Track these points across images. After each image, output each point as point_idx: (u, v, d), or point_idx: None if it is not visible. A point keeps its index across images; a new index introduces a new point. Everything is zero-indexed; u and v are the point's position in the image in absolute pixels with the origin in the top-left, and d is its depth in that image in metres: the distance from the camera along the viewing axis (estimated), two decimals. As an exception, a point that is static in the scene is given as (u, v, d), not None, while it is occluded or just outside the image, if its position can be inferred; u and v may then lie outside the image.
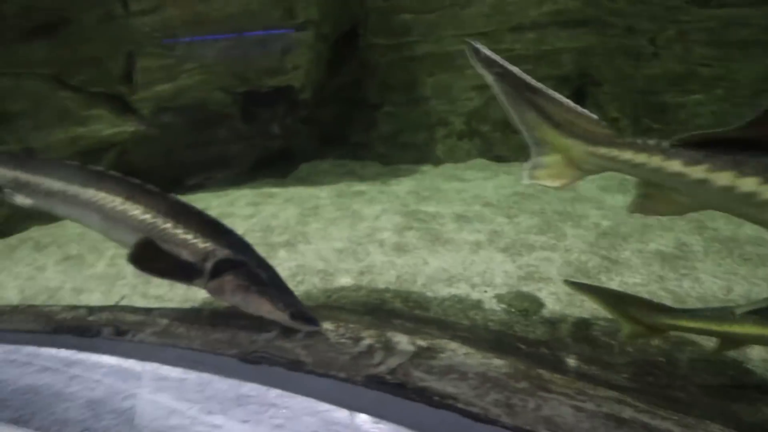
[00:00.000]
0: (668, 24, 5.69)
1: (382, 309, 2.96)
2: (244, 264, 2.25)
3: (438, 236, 3.99)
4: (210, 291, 2.26)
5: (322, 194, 5.40)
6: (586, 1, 5.77)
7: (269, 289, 2.21)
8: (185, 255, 2.23)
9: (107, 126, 4.69)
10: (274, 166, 6.19)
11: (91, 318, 2.74)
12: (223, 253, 2.23)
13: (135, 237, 2.28)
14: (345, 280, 3.50)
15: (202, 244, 2.23)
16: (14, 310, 2.90)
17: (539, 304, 3.05)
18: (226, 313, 2.53)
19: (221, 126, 5.35)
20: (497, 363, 2.08)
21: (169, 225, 2.24)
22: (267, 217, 4.74)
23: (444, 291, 3.24)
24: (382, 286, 3.38)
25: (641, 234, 3.71)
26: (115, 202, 2.29)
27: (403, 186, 5.49)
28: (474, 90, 6.34)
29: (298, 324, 2.17)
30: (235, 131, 5.48)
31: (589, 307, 2.96)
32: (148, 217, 2.25)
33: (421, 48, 6.22)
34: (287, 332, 2.30)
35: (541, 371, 2.05)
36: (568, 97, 5.89)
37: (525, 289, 3.20)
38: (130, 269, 3.82)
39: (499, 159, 6.24)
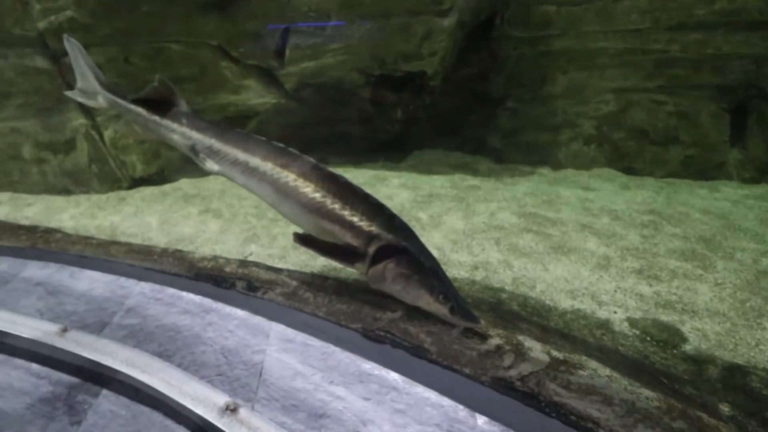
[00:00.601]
0: None
1: (502, 309, 2.74)
2: (407, 251, 2.15)
3: (560, 244, 3.62)
4: (370, 277, 2.19)
5: (436, 183, 5.24)
6: (771, 0, 4.81)
7: (431, 279, 2.09)
8: (349, 237, 2.19)
9: (254, 96, 4.97)
10: (388, 150, 6.16)
11: (227, 269, 2.89)
12: (386, 238, 2.16)
13: (303, 213, 2.28)
14: (458, 272, 3.32)
15: (367, 227, 2.18)
16: (163, 253, 3.15)
17: (681, 338, 2.61)
18: (351, 285, 2.49)
19: (350, 106, 5.40)
20: (647, 394, 1.78)
21: (337, 206, 2.21)
22: (381, 198, 4.67)
23: (566, 303, 2.92)
24: (497, 284, 3.14)
25: (817, 279, 3.01)
26: (288, 177, 2.30)
27: (520, 186, 5.11)
28: (612, 93, 5.69)
29: (456, 319, 2.05)
30: (361, 112, 5.51)
31: (744, 353, 2.47)
32: (317, 195, 2.24)
33: (559, 43, 5.69)
34: (411, 314, 2.20)
35: (701, 414, 1.71)
36: (729, 111, 5.03)
37: (664, 318, 2.75)
38: (260, 229, 4.04)
39: (630, 171, 5.56)
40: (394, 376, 1.89)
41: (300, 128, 5.47)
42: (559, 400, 1.68)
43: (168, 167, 5.03)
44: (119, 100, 2.79)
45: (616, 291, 3.00)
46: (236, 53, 4.77)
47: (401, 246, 2.14)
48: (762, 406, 2.15)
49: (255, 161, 2.39)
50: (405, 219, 4.16)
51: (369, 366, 1.94)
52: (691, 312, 2.77)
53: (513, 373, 1.83)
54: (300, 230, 2.47)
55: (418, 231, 3.93)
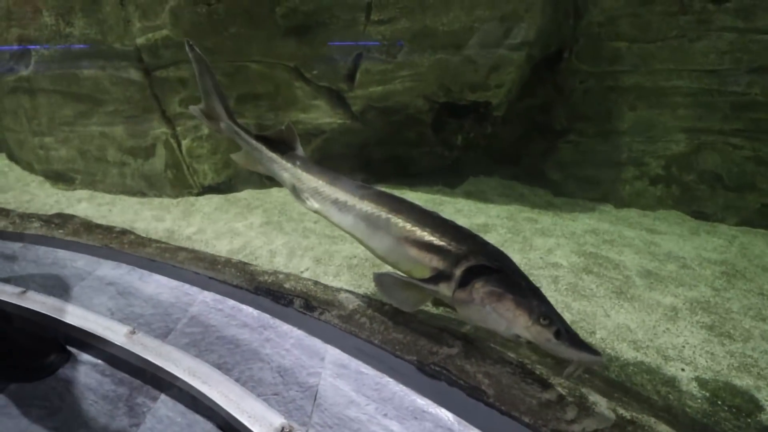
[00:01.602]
0: None
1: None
2: (500, 270, 1.91)
3: (622, 289, 3.40)
4: (456, 300, 1.96)
5: (492, 212, 5.12)
6: None
7: (530, 298, 1.80)
8: (436, 261, 2.05)
9: (322, 115, 5.11)
10: (445, 175, 6.11)
11: (286, 285, 2.92)
12: (477, 258, 1.94)
13: (393, 244, 2.26)
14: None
15: (456, 249, 2.02)
16: (227, 263, 3.23)
17: (756, 406, 2.35)
18: (408, 314, 2.45)
19: (411, 130, 5.43)
20: (722, 471, 1.60)
21: (426, 233, 2.14)
22: (437, 223, 4.65)
23: (628, 354, 2.72)
24: (553, 326, 2.98)
25: None
26: (380, 212, 2.32)
27: (579, 223, 4.89)
28: (684, 132, 5.36)
29: (565, 348, 1.68)
30: (422, 137, 5.52)
31: (832, 434, 2.19)
32: (407, 225, 2.20)
33: (629, 79, 5.45)
34: (469, 352, 2.12)
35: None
36: None
37: (737, 382, 2.50)
38: (318, 243, 4.11)
39: (700, 216, 5.18)
40: (448, 416, 1.82)
41: (361, 148, 5.56)
42: (627, 467, 1.54)
43: (236, 177, 5.25)
44: (243, 134, 2.94)
45: (684, 346, 2.76)
46: (309, 75, 4.94)
47: (494, 266, 1.91)
48: None
49: (351, 200, 2.46)
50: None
51: (423, 402, 1.88)
52: (770, 379, 2.50)
53: (576, 428, 1.71)
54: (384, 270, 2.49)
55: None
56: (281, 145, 2.85)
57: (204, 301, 2.73)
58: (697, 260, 3.96)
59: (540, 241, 4.28)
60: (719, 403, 2.36)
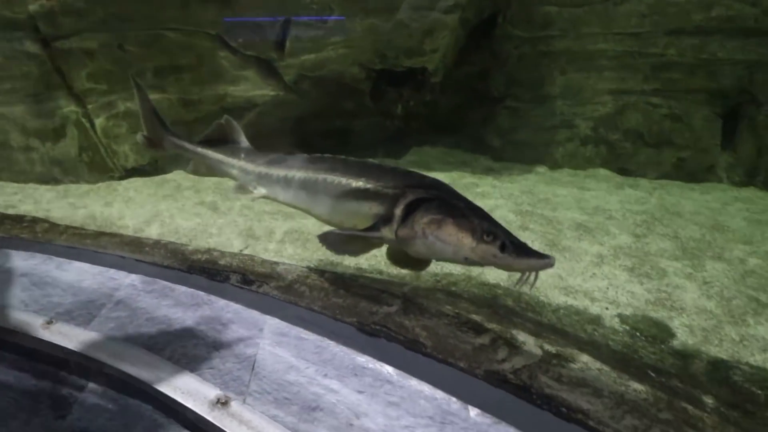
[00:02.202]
0: None
1: (497, 304, 2.74)
2: (437, 198, 1.85)
3: (555, 242, 3.63)
4: (401, 240, 1.89)
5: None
6: (767, 8, 4.84)
7: (471, 218, 1.74)
8: (376, 207, 2.00)
9: (253, 87, 4.92)
10: (388, 145, 6.13)
11: (222, 262, 2.85)
12: (414, 193, 1.87)
13: (333, 204, 2.23)
14: (454, 268, 3.32)
15: (393, 190, 1.96)
16: (156, 245, 3.09)
17: (669, 334, 2.63)
18: (348, 280, 2.48)
19: (350, 100, 5.37)
20: (636, 387, 1.79)
21: (361, 182, 2.10)
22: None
23: (560, 299, 2.93)
24: (492, 281, 3.14)
25: (805, 282, 3.05)
26: (317, 175, 2.29)
27: (517, 185, 5.12)
28: (609, 94, 5.70)
29: (513, 258, 1.62)
30: (361, 107, 5.48)
31: (728, 348, 2.50)
32: (343, 180, 2.17)
33: (560, 44, 5.68)
34: (408, 309, 2.19)
35: (687, 405, 1.72)
36: (721, 116, 5.05)
37: (653, 314, 2.77)
38: (256, 222, 4.01)
39: (624, 172, 5.58)
40: (388, 370, 1.87)
41: (299, 121, 5.43)
42: (550, 393, 1.68)
43: (162, 158, 4.96)
44: (187, 144, 2.87)
45: (608, 288, 3.01)
46: (235, 43, 4.71)
47: (430, 195, 1.85)
48: (744, 399, 2.18)
49: (290, 173, 2.44)
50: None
51: (363, 359, 1.92)
52: (679, 309, 2.79)
53: (506, 366, 1.83)
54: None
55: (413, 226, 3.95)
56: (224, 143, 2.81)
57: (132, 284, 2.60)
58: (621, 212, 4.29)
59: (480, 203, 4.39)
60: (638, 334, 2.61)
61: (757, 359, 2.44)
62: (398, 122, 5.73)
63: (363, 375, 1.86)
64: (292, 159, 2.54)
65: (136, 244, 3.25)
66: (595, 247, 3.55)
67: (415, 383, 1.81)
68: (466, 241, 1.71)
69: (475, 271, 3.25)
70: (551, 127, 6.00)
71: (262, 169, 2.60)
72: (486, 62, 6.16)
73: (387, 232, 1.96)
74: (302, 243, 3.66)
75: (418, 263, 2.29)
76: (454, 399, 1.72)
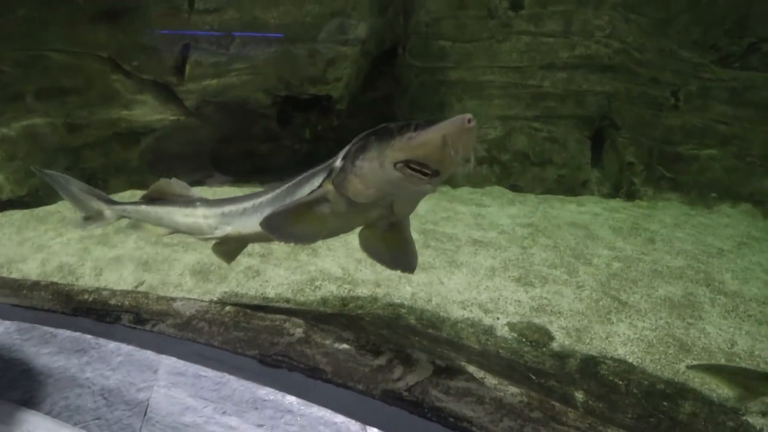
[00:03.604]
0: (691, 79, 5.64)
1: (398, 324, 2.86)
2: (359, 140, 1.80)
3: (454, 258, 3.88)
4: (340, 187, 1.81)
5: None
6: (617, 49, 5.71)
7: (385, 128, 1.66)
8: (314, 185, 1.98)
9: (150, 112, 4.66)
10: (296, 169, 6.12)
11: (112, 302, 2.65)
12: (353, 144, 1.82)
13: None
14: (361, 291, 3.40)
15: (330, 163, 1.94)
16: (34, 286, 2.80)
17: (549, 337, 2.94)
18: (251, 311, 2.44)
19: (255, 124, 5.31)
20: (513, 390, 1.98)
21: (310, 178, 2.10)
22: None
23: (458, 313, 3.13)
24: (397, 300, 3.27)
25: (650, 279, 3.59)
26: (278, 193, 2.29)
27: (421, 204, 5.36)
28: (498, 120, 6.28)
29: (428, 129, 1.48)
30: (267, 131, 5.44)
31: (597, 345, 2.86)
32: (306, 179, 2.15)
33: (454, 74, 6.17)
34: (309, 337, 2.21)
35: (554, 403, 1.95)
36: (589, 138, 5.74)
37: (536, 320, 3.08)
38: (154, 256, 3.76)
39: (515, 188, 6.15)
40: (290, 399, 1.88)
41: (201, 146, 5.24)
42: (439, 405, 1.80)
43: (44, 187, 4.47)
44: (129, 207, 2.72)
45: (499, 299, 3.29)
46: (129, 66, 4.45)
47: (354, 141, 1.81)
48: (610, 390, 2.51)
49: (253, 202, 2.41)
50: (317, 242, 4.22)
51: (265, 392, 1.91)
52: (558, 313, 3.13)
53: (401, 384, 1.93)
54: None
55: (322, 252, 3.99)
56: (172, 197, 2.73)
57: (6, 332, 2.33)
58: (512, 226, 4.72)
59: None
60: (523, 340, 2.89)
61: (620, 353, 2.82)
62: (307, 146, 5.77)
63: (264, 408, 1.85)
64: (251, 193, 2.53)
65: (11, 286, 2.91)
66: (489, 260, 3.86)
67: (315, 410, 1.83)
68: (388, 149, 1.57)
69: (381, 292, 3.37)
70: (452, 149, 6.42)
71: (226, 208, 2.52)
72: (390, 88, 6.47)
73: (328, 186, 1.85)
74: (204, 275, 3.52)
75: (394, 242, 2.23)
76: (353, 421, 1.78)
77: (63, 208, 4.50)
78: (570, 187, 6.09)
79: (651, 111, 5.79)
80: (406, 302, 3.26)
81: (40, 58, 4.16)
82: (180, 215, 2.69)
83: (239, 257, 3.81)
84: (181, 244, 3.92)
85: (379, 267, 3.75)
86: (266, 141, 5.61)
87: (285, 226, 2.00)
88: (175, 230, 2.76)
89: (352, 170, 1.72)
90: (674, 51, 5.59)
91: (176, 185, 2.77)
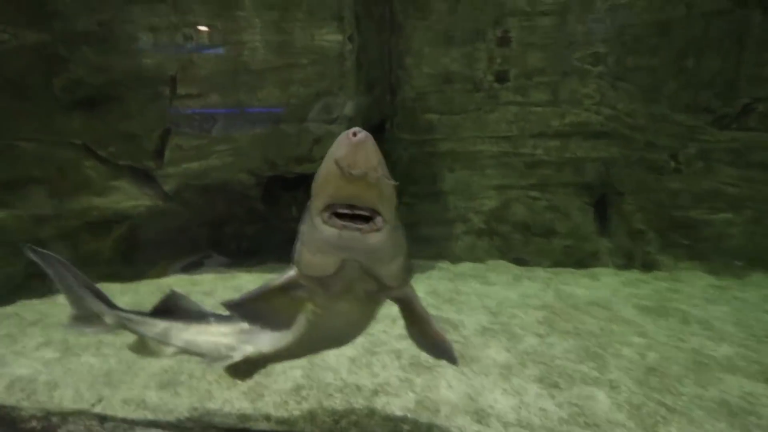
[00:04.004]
0: (689, 142, 5.51)
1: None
2: None
3: (462, 352, 3.38)
4: (296, 263, 1.67)
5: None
6: (608, 115, 5.64)
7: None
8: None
9: (125, 198, 4.36)
10: (282, 250, 5.75)
11: (61, 430, 2.15)
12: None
13: None
14: (356, 400, 2.87)
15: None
16: None
17: (589, 460, 2.39)
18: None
19: (240, 206, 5.01)
20: None
21: None
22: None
23: (472, 428, 2.59)
24: (399, 412, 2.74)
25: (696, 374, 3.08)
26: None
27: (421, 284, 4.96)
28: (493, 189, 6.05)
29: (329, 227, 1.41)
30: (253, 212, 5.13)
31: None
32: None
33: (444, 145, 6.05)
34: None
35: None
36: (592, 205, 5.46)
37: (569, 436, 2.54)
38: (116, 364, 3.25)
39: (520, 262, 5.77)
40: None
41: (181, 231, 4.89)
42: None
43: (4, 285, 4.03)
44: (135, 317, 2.41)
45: (520, 407, 2.76)
46: (105, 153, 4.22)
47: None
48: None
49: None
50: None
51: None
52: (594, 426, 2.60)
53: None
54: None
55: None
56: (183, 311, 2.42)
57: None
58: (523, 308, 4.26)
59: (383, 310, 4.13)
60: (557, 464, 2.34)
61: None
62: (294, 225, 5.43)
63: None
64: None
65: None
66: (503, 354, 3.36)
67: None
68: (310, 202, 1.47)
69: (380, 402, 2.83)
70: (448, 221, 6.14)
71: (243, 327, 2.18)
72: (379, 163, 6.29)
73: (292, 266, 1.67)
74: (172, 387, 2.98)
75: (416, 325, 2.07)
76: None
77: (22, 309, 4.01)
78: (580, 259, 5.71)
79: (652, 175, 5.59)
80: (409, 414, 2.72)
81: (9, 149, 3.93)
82: (192, 332, 2.35)
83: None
84: (146, 352, 3.42)
85: (376, 367, 3.26)
86: (252, 222, 5.29)
87: (257, 313, 1.85)
88: (184, 350, 2.38)
89: (298, 240, 1.58)
90: (667, 115, 5.51)
91: (181, 298, 2.47)
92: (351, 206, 1.34)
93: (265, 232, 5.46)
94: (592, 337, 3.64)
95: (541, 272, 5.50)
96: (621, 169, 5.73)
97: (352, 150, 1.28)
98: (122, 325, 2.46)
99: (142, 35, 3.88)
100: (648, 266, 5.50)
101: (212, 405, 2.84)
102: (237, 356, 2.19)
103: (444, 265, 5.79)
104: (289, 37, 3.99)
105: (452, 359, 2.05)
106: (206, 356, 2.29)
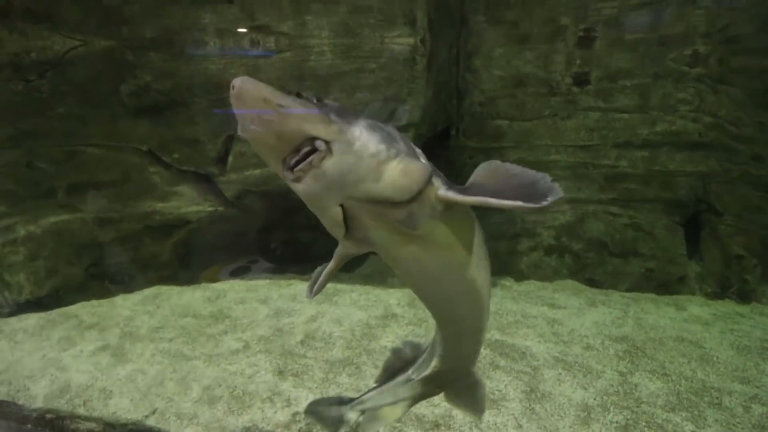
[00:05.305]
0: (805, 156, 4.92)
1: None
2: None
3: (533, 387, 3.19)
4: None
5: (392, 300, 4.82)
6: (707, 124, 5.16)
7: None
8: None
9: (187, 203, 4.54)
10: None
11: None
12: None
13: None
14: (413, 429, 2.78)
15: None
16: (39, 421, 2.50)
17: None
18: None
19: (300, 213, 5.07)
20: None
21: None
22: (330, 322, 4.20)
23: (547, 480, 2.42)
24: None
25: (820, 435, 2.71)
26: None
27: (482, 304, 4.78)
28: (567, 203, 5.73)
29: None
30: (313, 219, 5.17)
31: None
32: None
33: (513, 153, 5.79)
34: None
35: None
36: (682, 225, 4.96)
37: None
38: (171, 371, 3.36)
39: (593, 283, 5.42)
40: None
41: (239, 236, 5.04)
42: None
43: (65, 287, 4.31)
44: (369, 395, 2.33)
45: (604, 461, 2.55)
46: (169, 158, 4.42)
47: None
48: None
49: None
50: (354, 351, 3.70)
51: None
52: (695, 493, 2.34)
53: None
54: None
55: (369, 368, 3.43)
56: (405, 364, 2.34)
57: None
58: (599, 338, 3.97)
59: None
60: None
61: None
62: (352, 234, 5.44)
63: None
64: None
65: (16, 417, 2.72)
66: (579, 392, 3.14)
67: None
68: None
69: (442, 438, 2.71)
70: (514, 235, 5.89)
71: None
72: (442, 170, 6.17)
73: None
74: (226, 402, 3.03)
75: None
76: None
77: (82, 310, 4.28)
78: (663, 284, 5.27)
79: (759, 193, 5.05)
80: (476, 456, 2.59)
81: (77, 153, 4.21)
82: (418, 386, 2.25)
83: (266, 375, 3.37)
84: (202, 355, 3.53)
85: (437, 398, 3.14)
86: (309, 229, 5.36)
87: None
88: (413, 404, 2.33)
89: None
90: (778, 124, 4.96)
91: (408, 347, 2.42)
92: (295, 151, 1.26)
93: (318, 239, 5.51)
94: (683, 379, 3.32)
95: (617, 296, 5.13)
96: (721, 185, 5.22)
97: (239, 107, 1.23)
98: (362, 412, 2.36)
99: (209, 40, 4.01)
100: (745, 297, 4.97)
101: (264, 426, 2.86)
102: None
103: (507, 282, 5.56)
104: (358, 40, 3.96)
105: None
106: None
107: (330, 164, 1.25)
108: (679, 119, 5.14)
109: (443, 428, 2.81)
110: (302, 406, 3.01)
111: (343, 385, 3.24)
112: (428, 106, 4.56)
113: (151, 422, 2.86)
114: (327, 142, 1.24)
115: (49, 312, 4.14)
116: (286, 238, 5.47)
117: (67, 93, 3.91)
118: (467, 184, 1.48)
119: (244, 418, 2.91)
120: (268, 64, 4.07)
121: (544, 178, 1.39)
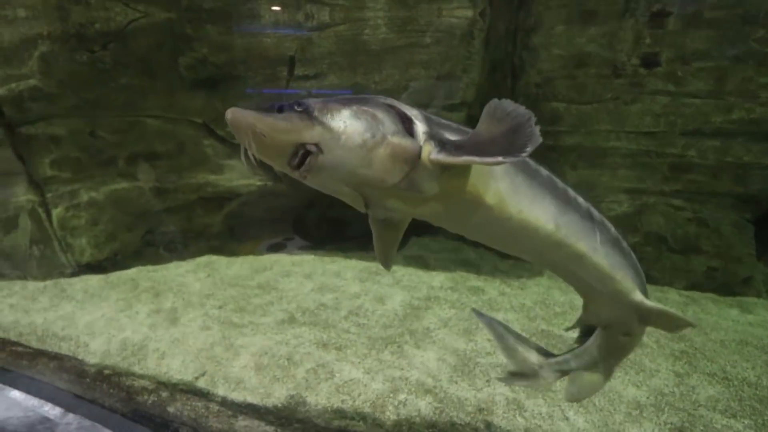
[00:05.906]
0: None
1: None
2: None
3: (581, 380, 3.14)
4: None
5: (434, 282, 4.84)
6: (792, 112, 4.78)
7: None
8: None
9: (238, 177, 4.71)
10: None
11: (171, 409, 2.42)
12: None
13: None
14: (457, 415, 2.81)
15: None
16: (98, 376, 2.72)
17: None
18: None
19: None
20: None
21: None
22: (373, 300, 4.28)
23: (594, 474, 2.40)
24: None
25: None
26: None
27: (529, 292, 4.73)
28: (625, 193, 5.50)
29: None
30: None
31: None
32: None
33: (569, 139, 5.59)
34: None
35: None
36: (753, 222, 4.72)
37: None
38: (220, 337, 3.55)
39: (648, 280, 5.04)
40: None
41: (287, 212, 5.18)
42: None
43: (122, 252, 4.59)
44: (570, 355, 2.33)
45: (656, 461, 2.49)
46: (223, 132, 4.58)
47: None
48: None
49: None
50: (396, 331, 3.76)
51: None
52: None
53: None
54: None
55: (410, 348, 3.50)
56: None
57: (67, 428, 2.26)
58: (654, 335, 3.83)
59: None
60: None
61: None
62: (395, 214, 5.48)
63: None
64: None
65: (77, 372, 2.93)
66: (630, 389, 3.07)
67: None
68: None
69: (482, 421, 2.74)
70: (564, 224, 5.74)
71: None
72: (493, 154, 6.07)
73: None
74: (271, 371, 3.17)
75: None
76: None
77: (138, 274, 4.56)
78: (726, 284, 5.01)
79: None
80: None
81: (136, 124, 4.43)
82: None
83: (310, 347, 3.49)
84: (250, 324, 3.70)
85: (479, 380, 3.16)
86: (352, 207, 5.44)
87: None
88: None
89: None
90: None
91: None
92: (294, 155, 1.40)
93: (360, 218, 5.58)
94: (746, 386, 3.17)
95: (674, 295, 4.93)
96: (800, 180, 4.87)
97: (237, 137, 1.39)
98: (561, 371, 2.37)
99: (264, 13, 4.09)
100: (822, 304, 4.65)
101: (307, 395, 2.97)
102: None
103: (552, 273, 5.45)
104: (414, 12, 3.91)
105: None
106: None
107: (325, 161, 1.38)
108: (760, 107, 4.79)
109: (485, 413, 2.83)
110: (345, 378, 3.11)
111: (386, 362, 3.31)
112: (482, 85, 4.47)
113: (200, 384, 3.04)
114: (316, 144, 1.37)
115: (107, 275, 4.45)
116: (326, 215, 5.57)
117: (129, 64, 4.10)
118: (472, 132, 1.51)
119: (288, 386, 3.04)
120: (322, 38, 4.11)
121: (528, 123, 1.44)
